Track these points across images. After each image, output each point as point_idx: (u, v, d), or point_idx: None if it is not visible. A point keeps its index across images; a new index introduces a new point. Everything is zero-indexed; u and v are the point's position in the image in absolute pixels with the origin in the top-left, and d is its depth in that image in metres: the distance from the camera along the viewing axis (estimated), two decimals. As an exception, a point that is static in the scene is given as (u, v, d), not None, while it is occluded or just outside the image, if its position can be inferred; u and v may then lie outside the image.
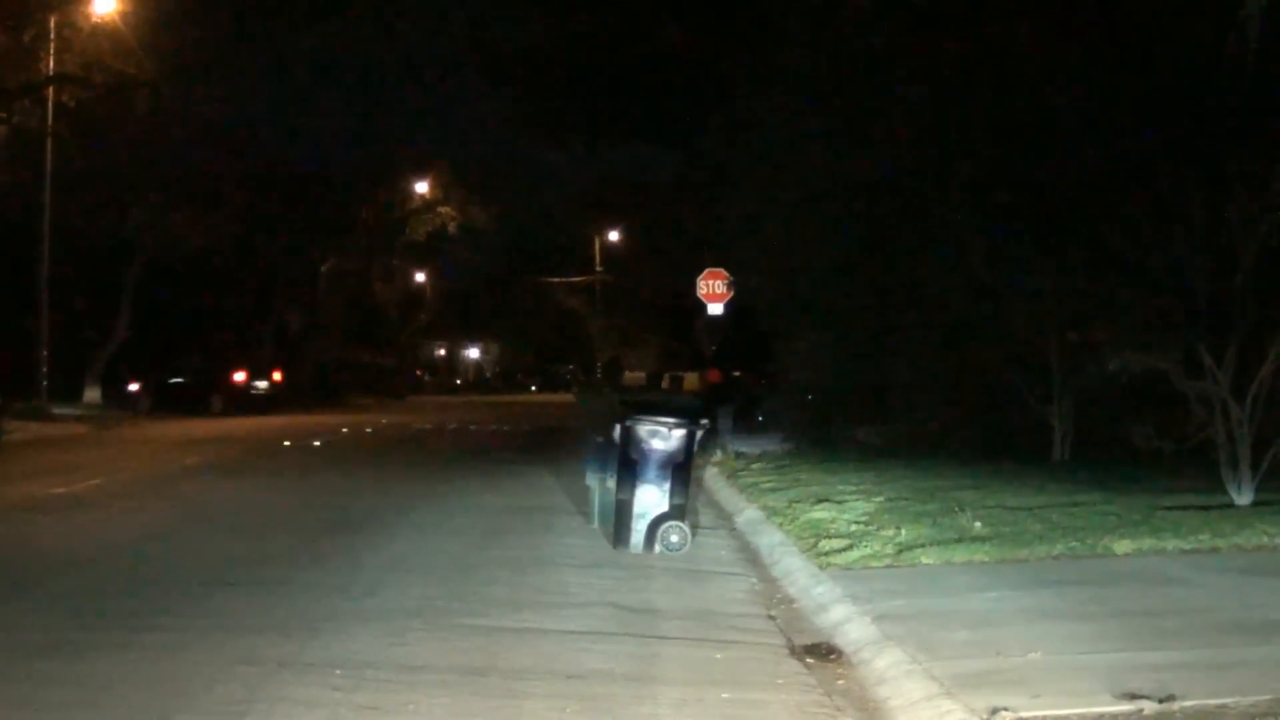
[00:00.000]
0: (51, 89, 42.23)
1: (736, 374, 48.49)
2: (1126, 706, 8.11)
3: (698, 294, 33.24)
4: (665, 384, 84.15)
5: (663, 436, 15.41)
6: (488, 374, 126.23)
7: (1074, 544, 13.96)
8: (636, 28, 41.65)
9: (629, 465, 15.33)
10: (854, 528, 15.55)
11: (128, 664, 9.57)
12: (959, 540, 14.29)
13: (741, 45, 33.33)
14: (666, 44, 40.97)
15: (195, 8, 43.66)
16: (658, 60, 41.96)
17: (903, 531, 14.91)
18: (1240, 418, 16.76)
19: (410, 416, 53.12)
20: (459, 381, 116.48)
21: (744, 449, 28.02)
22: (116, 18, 41.55)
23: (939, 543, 14.17)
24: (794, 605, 12.56)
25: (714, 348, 38.27)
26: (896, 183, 27.15)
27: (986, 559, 13.49)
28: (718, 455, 26.80)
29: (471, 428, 45.32)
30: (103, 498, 20.72)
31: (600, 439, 16.50)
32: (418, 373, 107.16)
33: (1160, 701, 8.11)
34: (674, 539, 15.22)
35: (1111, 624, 10.38)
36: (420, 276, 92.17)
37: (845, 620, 11.09)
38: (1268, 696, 8.18)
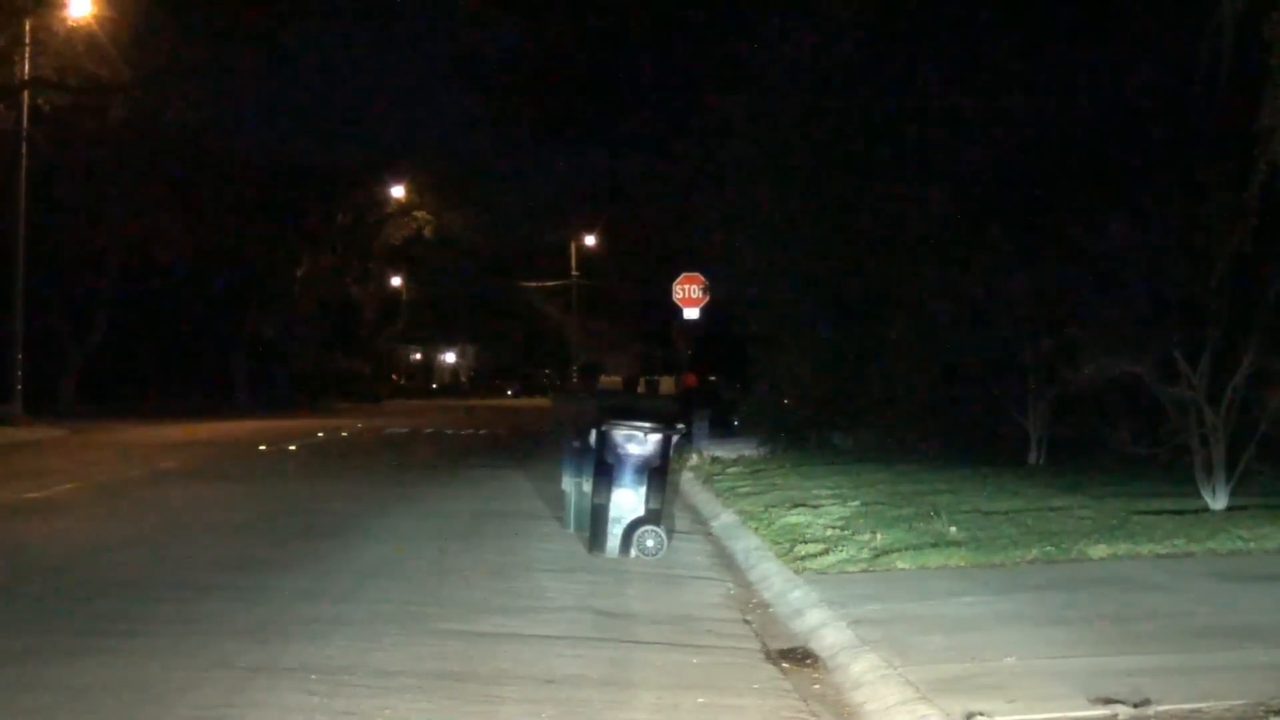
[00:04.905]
0: (26, 93, 42.10)
1: (712, 378, 48.49)
2: (1101, 711, 8.13)
3: (674, 298, 33.26)
4: (641, 388, 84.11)
5: (639, 441, 15.42)
6: (464, 378, 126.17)
7: (1049, 548, 14.00)
8: (615, 32, 41.68)
9: (605, 470, 15.34)
10: (830, 532, 15.56)
11: (102, 669, 9.54)
12: (935, 545, 14.31)
13: (719, 50, 33.39)
14: (644, 48, 41.01)
15: (171, 13, 43.59)
16: (635, 64, 42.01)
17: (878, 536, 14.93)
18: (1215, 422, 16.80)
19: (386, 421, 53.02)
20: (435, 386, 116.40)
21: (720, 453, 28.06)
22: (92, 22, 41.46)
23: (915, 547, 14.19)
24: (770, 610, 12.58)
25: (690, 352, 38.30)
26: (874, 188, 27.19)
27: (962, 564, 13.52)
28: (694, 459, 26.83)
29: (448, 432, 45.26)
30: (78, 502, 20.67)
31: (576, 443, 16.50)
32: (394, 377, 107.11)
33: (1135, 706, 8.12)
34: (650, 543, 15.23)
35: (1086, 628, 10.40)
36: (396, 281, 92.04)
37: (821, 625, 11.10)
38: (1242, 701, 8.20)
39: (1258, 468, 17.53)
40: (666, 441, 15.63)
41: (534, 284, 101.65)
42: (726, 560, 15.79)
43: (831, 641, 10.53)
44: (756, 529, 16.70)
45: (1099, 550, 13.90)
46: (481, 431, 45.79)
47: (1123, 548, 14.01)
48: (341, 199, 75.52)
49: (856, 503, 18.13)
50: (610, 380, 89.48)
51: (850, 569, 13.48)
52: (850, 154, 27.80)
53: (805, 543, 14.91)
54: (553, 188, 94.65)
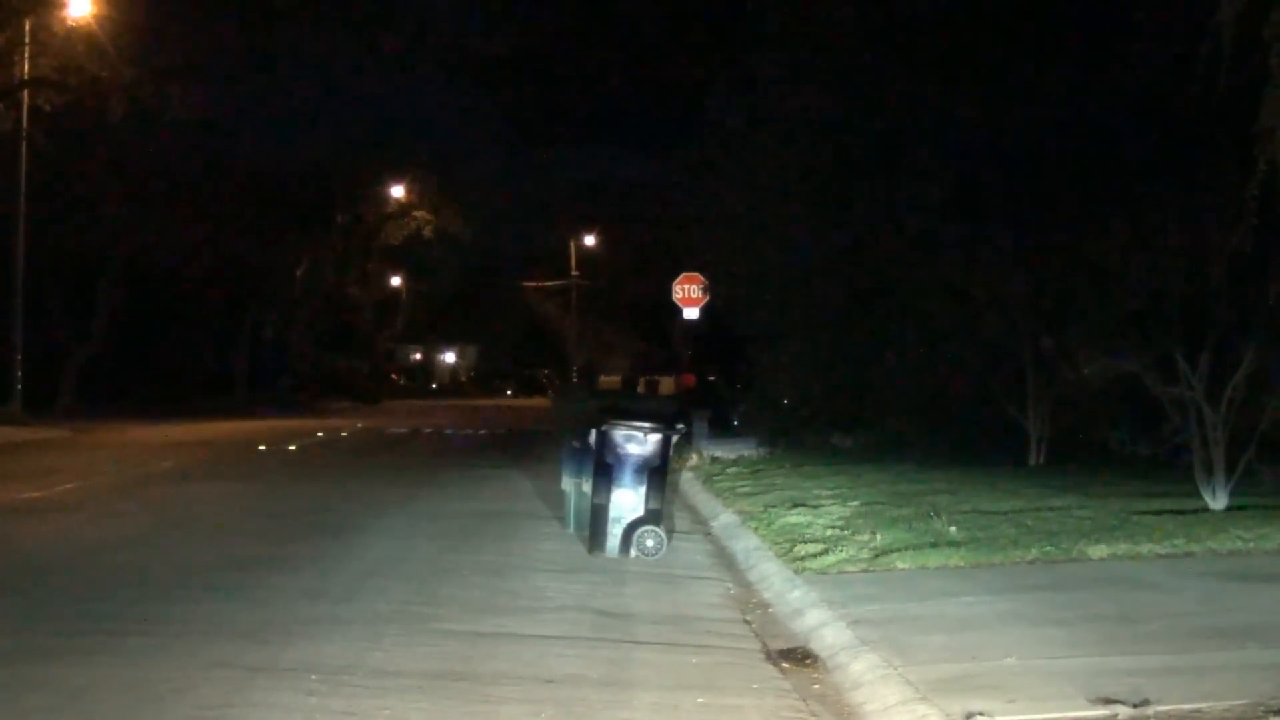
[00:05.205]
0: (26, 92, 42.08)
1: (712, 378, 48.52)
2: (1101, 711, 8.13)
3: (673, 298, 33.24)
4: (641, 388, 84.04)
5: (638, 441, 15.42)
6: (463, 378, 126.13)
7: (1049, 548, 14.00)
8: (616, 34, 41.78)
9: (605, 470, 15.34)
10: (829, 532, 15.57)
11: (102, 669, 9.54)
12: (934, 545, 14.32)
13: (720, 50, 33.40)
14: (646, 49, 41.08)
15: (171, 12, 43.57)
16: (636, 66, 42.11)
17: (878, 536, 14.93)
18: (1214, 422, 16.81)
19: (385, 421, 53.00)
20: (434, 386, 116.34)
21: (720, 453, 28.05)
22: (92, 21, 41.42)
23: (914, 547, 14.19)
24: (770, 610, 12.58)
25: (689, 352, 38.29)
26: (874, 188, 27.20)
27: (962, 564, 13.52)
28: (693, 459, 26.82)
29: (447, 432, 45.25)
30: (79, 502, 20.65)
31: (576, 443, 16.50)
32: (393, 377, 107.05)
33: (1135, 706, 8.13)
34: (650, 543, 15.23)
35: (1086, 628, 10.40)
36: (395, 280, 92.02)
37: (821, 625, 11.10)
38: (1242, 701, 8.20)
39: (1258, 468, 17.55)
40: (666, 441, 15.63)
41: (534, 284, 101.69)
42: (726, 560, 15.78)
43: (831, 641, 10.54)
44: (756, 529, 16.70)
45: (1099, 550, 13.91)
46: (481, 431, 45.78)
47: (1122, 548, 14.01)
48: (341, 199, 75.45)
49: (856, 503, 18.14)
50: (610, 380, 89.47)
51: (850, 569, 13.48)
52: (849, 154, 27.79)
53: (805, 543, 14.91)
54: (553, 188, 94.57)
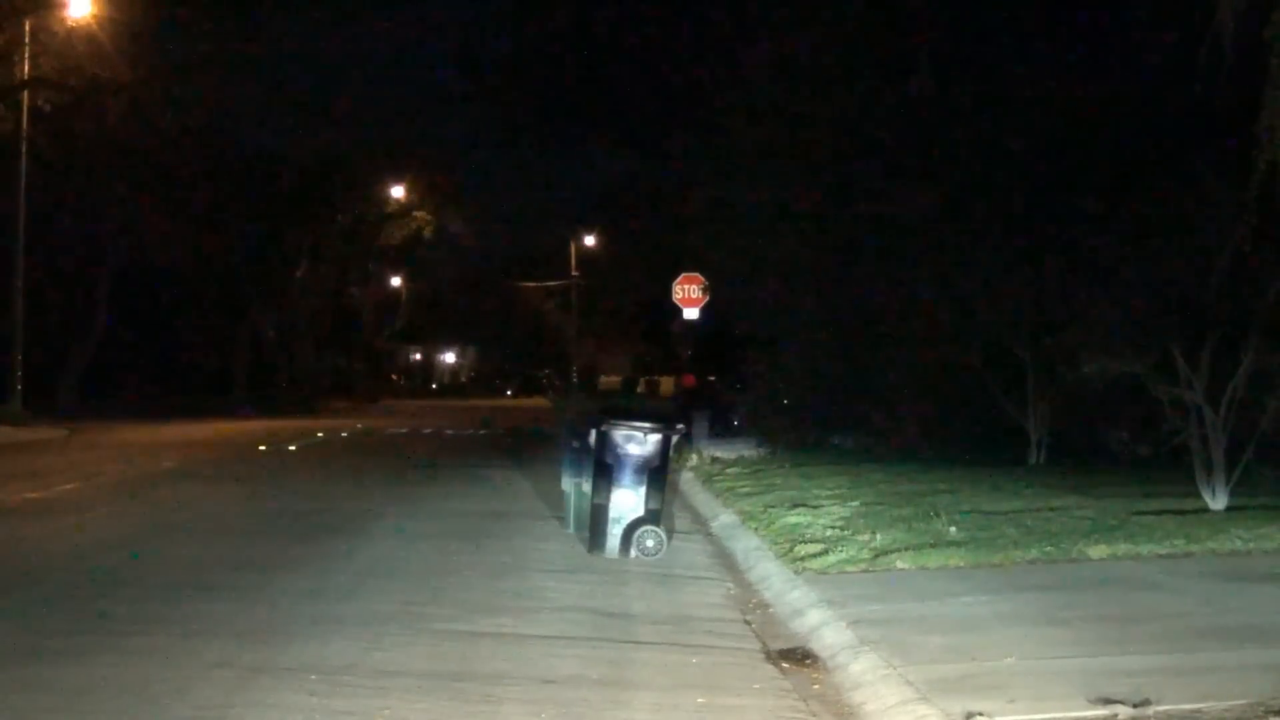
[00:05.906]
0: (26, 93, 42.07)
1: (712, 379, 48.49)
2: (1101, 711, 8.13)
3: (674, 298, 33.22)
4: (641, 388, 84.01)
5: (638, 441, 15.41)
6: (463, 378, 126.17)
7: (1049, 549, 13.99)
8: (614, 33, 41.66)
9: (605, 470, 15.33)
10: (830, 533, 15.55)
11: (102, 669, 9.54)
12: (934, 545, 14.31)
13: (718, 49, 33.37)
14: (643, 48, 40.95)
15: (170, 13, 43.58)
16: (634, 65, 41.96)
17: (878, 536, 14.92)
18: (1214, 422, 16.80)
19: (385, 421, 53.01)
20: (434, 386, 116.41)
21: (720, 453, 28.03)
22: (92, 21, 41.43)
23: (915, 548, 14.18)
24: (770, 610, 12.58)
25: (689, 352, 38.25)
26: (873, 189, 27.17)
27: (962, 564, 13.51)
28: (693, 460, 26.81)
29: (447, 432, 45.24)
30: (79, 502, 20.63)
31: (576, 444, 16.49)
32: (393, 377, 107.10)
33: (1135, 706, 8.12)
34: (650, 543, 15.22)
35: (1086, 629, 10.40)
36: (395, 281, 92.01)
37: (821, 625, 11.10)
38: (1242, 701, 8.20)
39: (1257, 468, 17.54)
40: (666, 442, 15.62)
41: (534, 284, 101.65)
42: (726, 560, 15.78)
43: (831, 641, 10.53)
44: (756, 529, 16.70)
45: (1099, 550, 13.90)
46: (481, 431, 45.76)
47: (1122, 548, 14.01)
48: (341, 199, 75.42)
49: (856, 503, 18.12)
50: (610, 380, 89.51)
51: (850, 569, 13.47)
52: (849, 153, 27.78)
53: (805, 543, 14.90)
54: (553, 188, 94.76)
